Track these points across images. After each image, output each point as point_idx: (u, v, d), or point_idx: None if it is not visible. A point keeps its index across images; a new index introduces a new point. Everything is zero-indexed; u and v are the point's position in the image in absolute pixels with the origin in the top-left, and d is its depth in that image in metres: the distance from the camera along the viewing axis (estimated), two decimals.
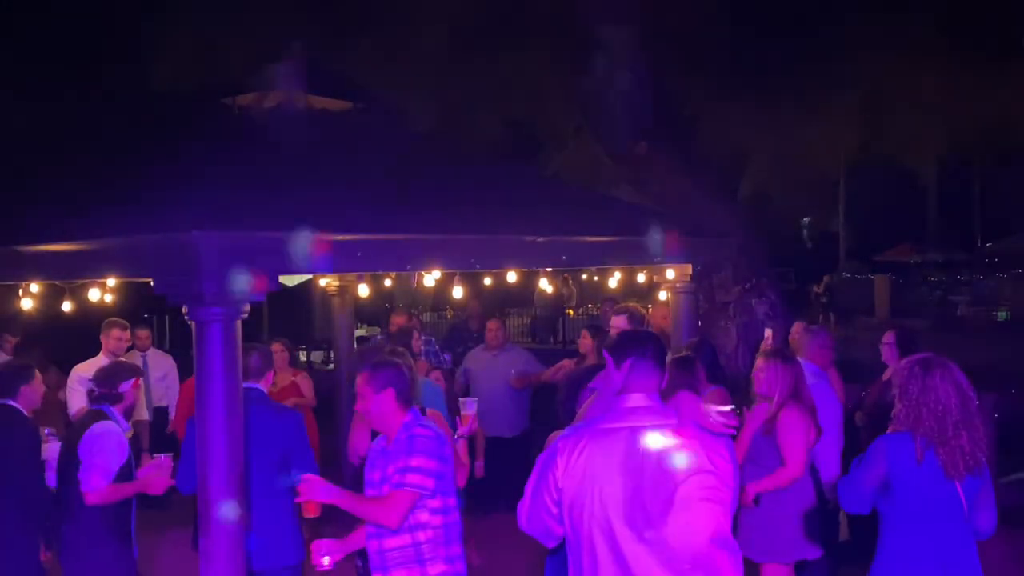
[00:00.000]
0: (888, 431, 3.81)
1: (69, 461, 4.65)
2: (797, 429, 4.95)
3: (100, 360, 7.19)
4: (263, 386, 4.80)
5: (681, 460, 2.84)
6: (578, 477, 2.87)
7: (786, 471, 4.97)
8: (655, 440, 2.85)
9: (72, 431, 4.84)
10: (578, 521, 2.88)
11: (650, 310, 8.22)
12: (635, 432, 2.87)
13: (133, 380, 4.89)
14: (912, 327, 7.16)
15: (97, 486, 4.54)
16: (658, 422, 2.89)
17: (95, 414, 4.75)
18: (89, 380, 4.98)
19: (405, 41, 11.05)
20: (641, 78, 10.68)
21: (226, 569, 4.04)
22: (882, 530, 3.87)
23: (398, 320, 8.68)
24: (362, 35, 11.00)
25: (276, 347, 7.02)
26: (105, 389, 4.78)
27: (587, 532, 2.86)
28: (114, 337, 7.13)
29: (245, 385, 4.67)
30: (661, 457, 2.84)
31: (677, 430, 2.88)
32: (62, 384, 7.56)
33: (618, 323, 6.75)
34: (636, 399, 2.92)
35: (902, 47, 11.04)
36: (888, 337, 6.21)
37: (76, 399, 7.11)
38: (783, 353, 5.29)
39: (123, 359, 6.55)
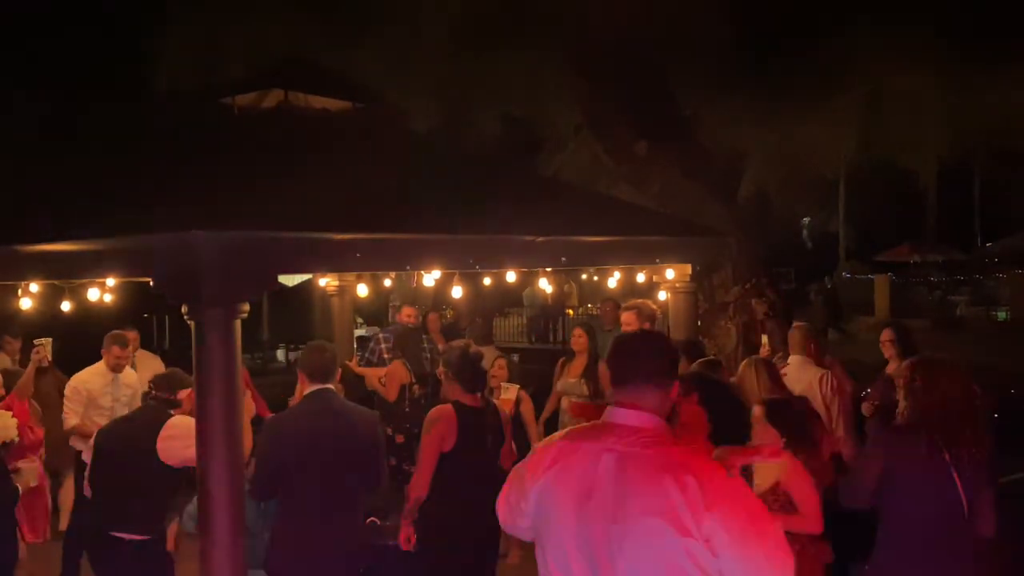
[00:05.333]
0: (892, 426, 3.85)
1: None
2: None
3: (100, 368, 7.09)
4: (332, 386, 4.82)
5: (640, 494, 2.41)
6: (540, 491, 2.60)
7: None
8: (615, 465, 2.47)
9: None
10: (543, 538, 2.61)
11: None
12: (599, 453, 2.50)
13: (189, 390, 4.89)
14: (908, 324, 7.48)
15: None
16: (630, 445, 2.47)
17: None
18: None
19: (406, 41, 11.06)
20: (641, 77, 10.67)
21: (226, 570, 4.04)
22: (880, 528, 3.87)
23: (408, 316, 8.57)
24: (363, 34, 11.00)
25: None
26: (164, 394, 4.78)
27: (541, 555, 2.61)
28: (114, 355, 7.02)
29: (319, 387, 4.68)
30: (615, 486, 2.44)
31: (655, 457, 2.43)
32: (62, 385, 7.49)
33: (627, 319, 6.74)
34: (617, 415, 2.56)
35: (902, 47, 11.04)
36: (886, 334, 6.68)
37: (71, 415, 6.92)
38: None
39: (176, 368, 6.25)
